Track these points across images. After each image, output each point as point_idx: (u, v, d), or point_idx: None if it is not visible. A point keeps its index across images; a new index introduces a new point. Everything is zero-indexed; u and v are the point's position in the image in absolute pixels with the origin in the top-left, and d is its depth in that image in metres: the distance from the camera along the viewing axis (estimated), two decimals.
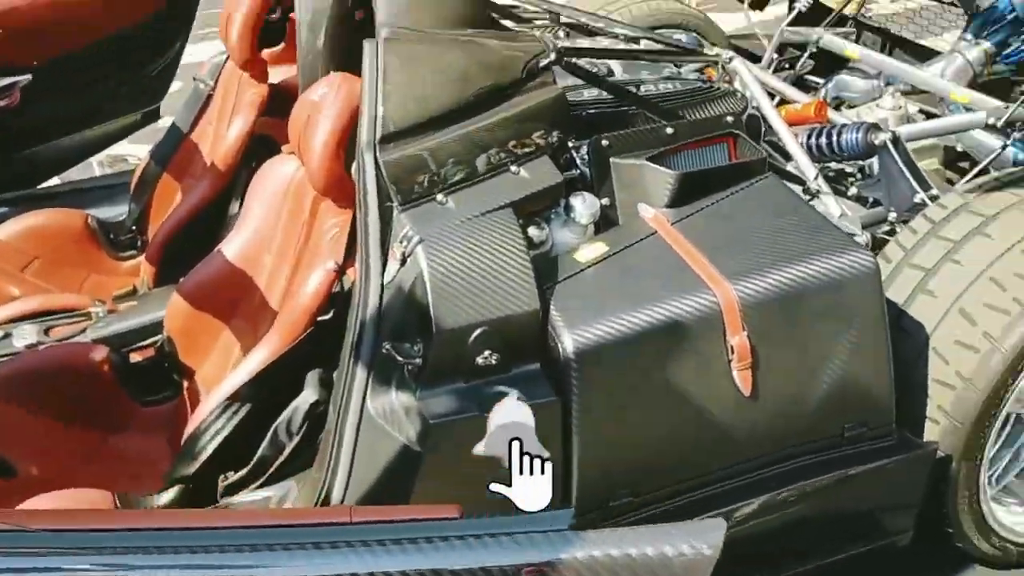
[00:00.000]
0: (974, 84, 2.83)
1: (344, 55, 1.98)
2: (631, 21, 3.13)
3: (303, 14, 2.09)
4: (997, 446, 1.90)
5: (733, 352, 1.58)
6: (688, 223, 1.74)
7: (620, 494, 1.62)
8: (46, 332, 2.29)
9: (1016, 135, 2.41)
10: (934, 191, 2.18)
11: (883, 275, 1.93)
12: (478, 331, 1.52)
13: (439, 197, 1.61)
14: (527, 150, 1.72)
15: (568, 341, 1.53)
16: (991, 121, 2.32)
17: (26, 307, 2.39)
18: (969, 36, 2.87)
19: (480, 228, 1.58)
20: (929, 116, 2.96)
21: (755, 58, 3.12)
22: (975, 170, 2.47)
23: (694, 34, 3.09)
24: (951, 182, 2.70)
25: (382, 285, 1.58)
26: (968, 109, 2.60)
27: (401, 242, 1.56)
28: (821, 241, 1.66)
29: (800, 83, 3.27)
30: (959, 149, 2.80)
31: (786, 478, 1.69)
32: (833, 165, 2.53)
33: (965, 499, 1.85)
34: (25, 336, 2.27)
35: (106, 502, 1.74)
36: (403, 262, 1.56)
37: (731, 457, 1.66)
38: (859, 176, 2.60)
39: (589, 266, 1.66)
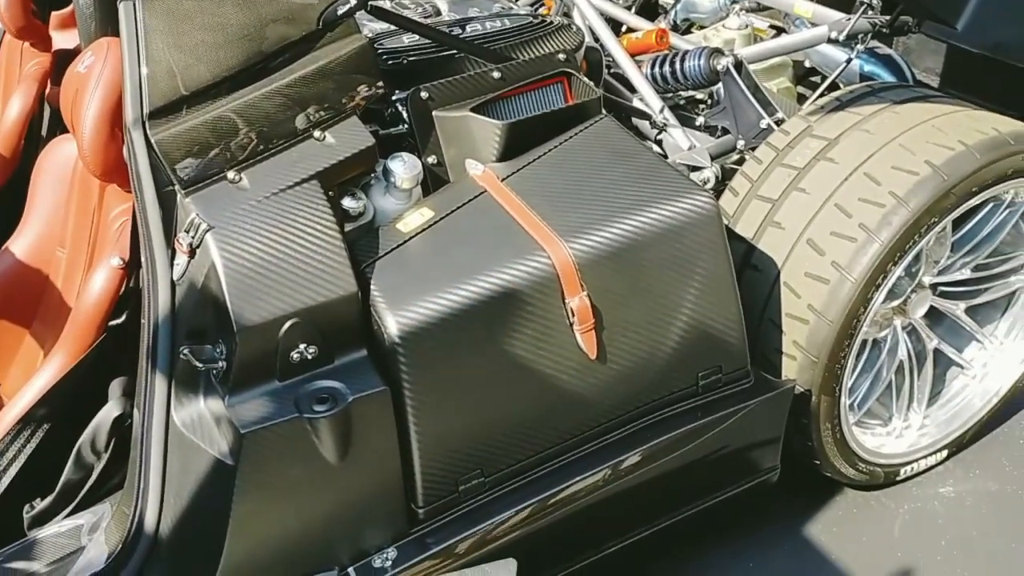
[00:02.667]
0: None
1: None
2: None
3: None
4: (855, 374, 1.86)
5: (573, 315, 1.46)
6: (519, 178, 1.60)
7: (469, 476, 1.50)
8: None
9: (860, 48, 2.35)
10: (780, 115, 2.09)
11: (731, 209, 1.85)
12: (288, 324, 1.35)
13: (230, 175, 1.42)
14: (331, 112, 1.53)
15: (391, 324, 1.38)
16: (833, 35, 2.23)
17: None
18: None
19: (280, 206, 1.40)
20: (780, 32, 2.88)
21: None
22: (821, 87, 2.41)
23: None
24: (805, 99, 2.63)
25: (172, 282, 1.39)
26: (813, 24, 2.52)
27: (188, 231, 1.36)
28: (657, 186, 1.55)
29: (651, 7, 3.14)
30: (808, 65, 2.73)
31: (643, 436, 1.61)
32: (685, 93, 2.43)
33: (828, 430, 1.81)
34: None
35: None
36: (192, 254, 1.37)
37: (584, 423, 1.56)
38: (709, 104, 2.51)
39: (413, 236, 1.50)
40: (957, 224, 1.81)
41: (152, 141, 1.37)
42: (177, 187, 1.39)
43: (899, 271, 1.68)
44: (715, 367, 1.63)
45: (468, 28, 1.95)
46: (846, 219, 1.67)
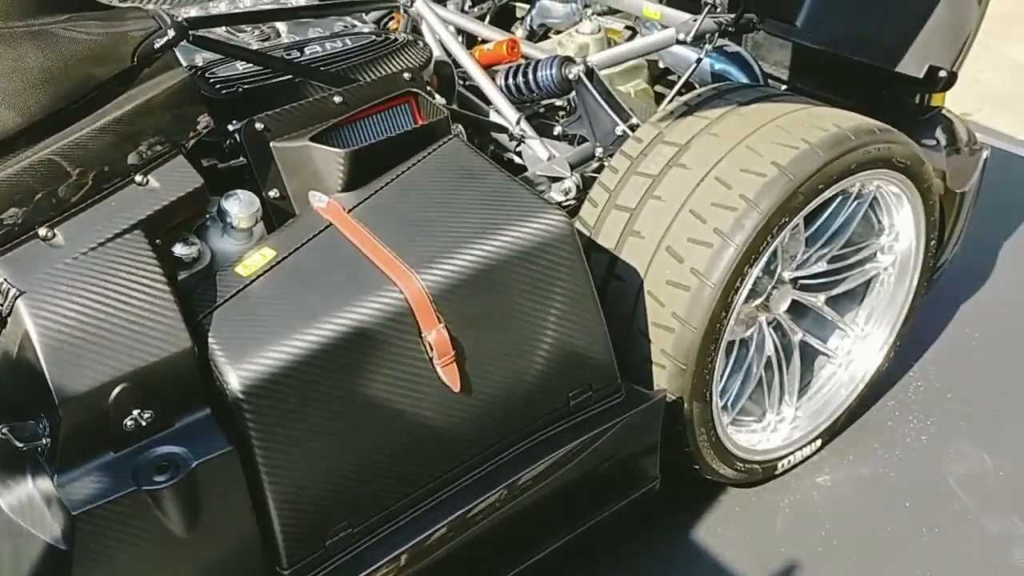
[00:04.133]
0: None
1: None
2: None
3: None
4: (726, 375, 1.87)
5: (432, 349, 1.40)
6: (367, 208, 1.53)
7: (336, 529, 1.42)
8: None
9: (708, 47, 2.37)
10: (634, 120, 2.09)
11: (591, 219, 1.82)
12: (117, 389, 1.24)
13: (41, 232, 1.30)
14: (154, 153, 1.42)
15: (233, 378, 1.29)
16: (681, 37, 2.25)
17: None
18: None
19: (99, 262, 1.29)
20: (635, 32, 2.90)
21: None
22: (674, 89, 2.43)
23: None
24: (663, 99, 2.65)
25: None
26: (663, 25, 2.54)
27: None
28: (509, 208, 1.50)
29: (508, 14, 3.11)
30: (662, 66, 2.76)
31: (518, 463, 1.56)
32: (545, 101, 2.40)
33: (703, 435, 1.81)
34: None
35: None
36: (3, 323, 1.24)
37: (454, 458, 1.51)
38: (567, 111, 2.49)
39: (254, 279, 1.41)
40: (809, 219, 1.84)
41: None
42: None
43: (756, 272, 1.69)
44: (584, 385, 1.60)
45: (307, 51, 1.87)
46: (701, 225, 1.67)
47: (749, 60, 2.58)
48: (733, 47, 2.61)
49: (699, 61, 2.41)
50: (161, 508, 1.25)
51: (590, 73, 2.16)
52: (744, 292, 1.69)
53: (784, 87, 2.47)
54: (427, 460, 1.48)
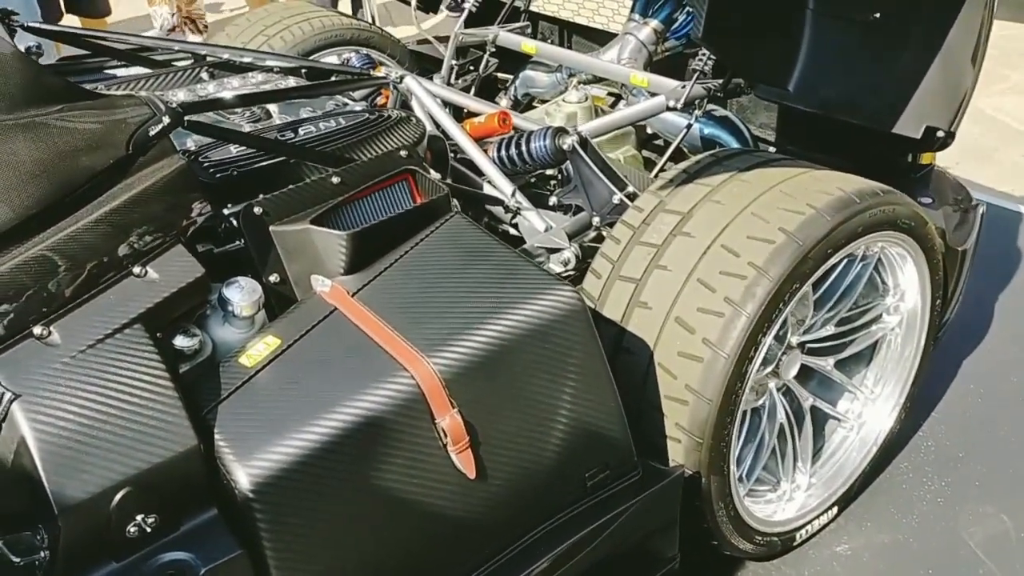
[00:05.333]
0: (651, 64, 2.81)
1: None
2: (293, 43, 2.83)
3: None
4: (739, 446, 1.83)
5: (446, 435, 1.35)
6: (372, 291, 1.49)
7: None
8: None
9: (698, 113, 2.39)
10: (631, 188, 2.08)
11: (595, 291, 1.79)
12: (119, 495, 1.18)
13: (36, 331, 1.24)
14: (152, 243, 1.38)
15: (242, 477, 1.23)
16: (671, 104, 2.26)
17: None
18: (637, 16, 2.84)
19: (98, 360, 1.24)
20: (618, 100, 2.92)
21: (441, 64, 2.93)
22: (666, 155, 2.43)
23: (366, 52, 2.84)
24: (653, 164, 2.66)
25: None
26: (651, 92, 2.55)
27: None
28: (517, 285, 1.47)
29: (491, 83, 3.13)
30: (649, 131, 2.77)
31: (536, 551, 1.49)
32: (531, 173, 2.39)
33: (722, 509, 1.76)
34: None
35: None
36: None
37: (471, 548, 1.44)
38: (560, 179, 2.49)
39: (259, 369, 1.36)
40: (816, 283, 1.82)
41: None
42: None
43: (769, 340, 1.66)
44: (601, 464, 1.54)
45: (301, 131, 1.85)
46: (710, 294, 1.64)
47: (738, 124, 2.59)
48: (721, 111, 2.63)
49: (689, 127, 2.43)
50: None
51: (584, 143, 2.15)
52: (758, 361, 1.66)
53: (772, 149, 2.48)
54: (443, 552, 1.41)
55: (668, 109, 2.31)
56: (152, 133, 1.44)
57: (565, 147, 2.14)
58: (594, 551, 1.56)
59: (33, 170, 1.29)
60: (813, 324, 1.90)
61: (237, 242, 1.61)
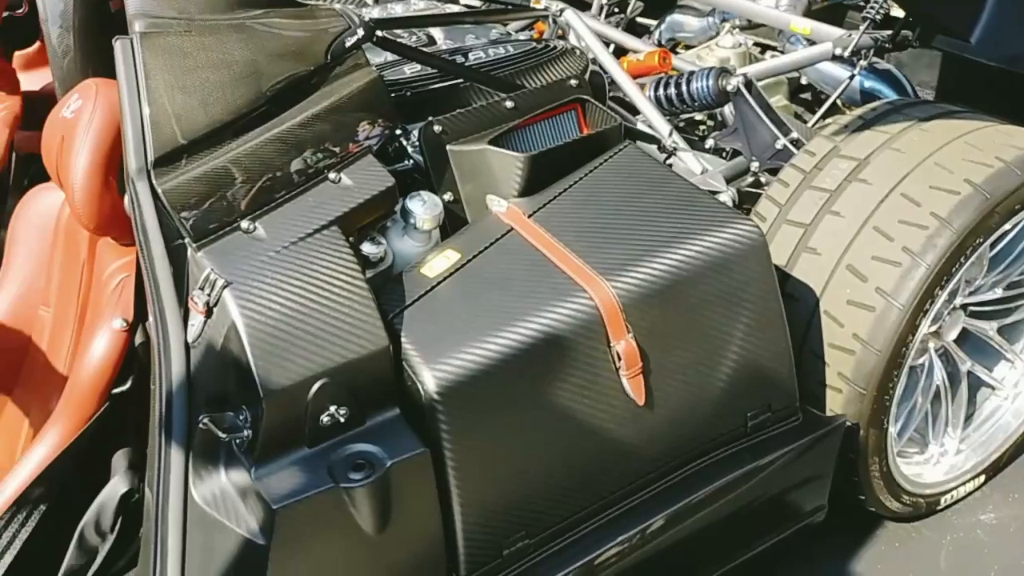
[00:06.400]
0: (808, 12, 2.71)
1: (102, 55, 1.61)
2: None
3: (49, 5, 1.69)
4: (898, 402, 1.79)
5: (620, 359, 1.36)
6: (547, 213, 1.50)
7: (514, 539, 1.38)
8: None
9: (863, 63, 2.30)
10: (795, 134, 2.03)
11: None
12: (317, 385, 1.23)
13: (244, 224, 1.30)
14: (346, 150, 1.42)
15: (428, 379, 1.26)
16: (838, 52, 2.18)
17: None
18: None
19: (301, 257, 1.29)
20: (765, 50, 2.84)
21: (585, 5, 2.90)
22: (826, 104, 2.36)
23: None
24: (799, 117, 2.58)
25: (186, 344, 1.26)
26: (809, 40, 2.47)
27: (202, 289, 1.24)
28: (698, 217, 1.46)
29: (631, 27, 3.08)
30: (803, 82, 2.69)
31: (693, 483, 1.51)
32: (684, 115, 2.36)
33: (875, 464, 1.73)
34: None
35: None
36: (209, 314, 1.24)
37: (631, 473, 1.46)
38: (711, 124, 2.45)
39: (441, 281, 1.39)
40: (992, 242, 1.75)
41: (159, 192, 1.25)
42: (188, 240, 1.27)
43: (945, 295, 1.61)
44: (764, 406, 1.54)
45: (470, 56, 1.86)
46: (887, 243, 1.60)
47: (901, 78, 2.49)
48: (884, 64, 2.53)
49: (852, 77, 2.35)
50: (355, 506, 1.23)
51: (749, 85, 2.11)
52: (931, 316, 1.61)
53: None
54: (606, 473, 1.44)
55: (833, 58, 2.23)
56: (348, 44, 1.47)
57: (729, 88, 2.09)
58: (747, 492, 1.57)
59: (245, 70, 1.34)
60: (981, 286, 1.83)
61: (406, 162, 1.64)
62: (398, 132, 1.61)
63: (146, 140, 1.24)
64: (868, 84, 2.49)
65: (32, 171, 2.19)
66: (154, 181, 1.24)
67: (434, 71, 1.74)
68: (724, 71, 2.15)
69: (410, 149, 1.63)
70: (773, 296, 1.48)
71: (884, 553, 1.89)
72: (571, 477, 1.41)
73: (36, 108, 2.12)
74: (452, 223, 1.58)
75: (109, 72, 1.55)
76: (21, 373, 1.71)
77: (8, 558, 1.40)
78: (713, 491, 1.52)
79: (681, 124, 2.41)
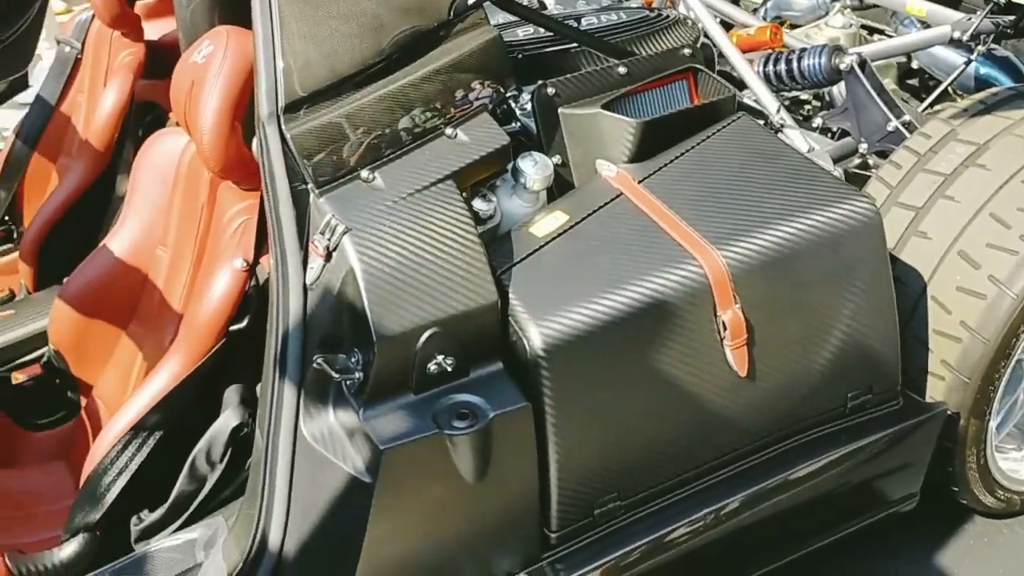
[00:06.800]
0: None
1: (231, 3, 1.66)
2: None
3: None
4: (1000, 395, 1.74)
5: (725, 329, 1.36)
6: (657, 180, 1.50)
7: (606, 499, 1.40)
8: None
9: (981, 49, 2.22)
10: (907, 117, 1.98)
11: None
12: (427, 334, 1.26)
13: (364, 174, 1.33)
14: (463, 107, 1.44)
15: (535, 335, 1.28)
16: (956, 35, 2.12)
17: None
18: None
19: (417, 208, 1.31)
20: (872, 32, 2.76)
21: None
22: (939, 89, 2.30)
23: None
24: (906, 103, 2.51)
25: (304, 286, 1.30)
26: (924, 23, 2.40)
27: (323, 233, 1.28)
28: (812, 191, 1.44)
29: (735, 2, 3.03)
30: (914, 67, 2.61)
31: (788, 460, 1.50)
32: (788, 93, 2.32)
33: (972, 456, 1.70)
34: None
35: None
36: (328, 257, 1.28)
37: (727, 444, 1.46)
38: (817, 104, 2.40)
39: (549, 241, 1.41)
40: None
41: (287, 137, 1.29)
42: (311, 186, 1.31)
43: None
44: (865, 387, 1.52)
45: (583, 22, 1.86)
46: (1004, 230, 1.55)
47: (1020, 66, 2.40)
48: (1002, 52, 2.44)
49: (969, 62, 2.27)
50: (457, 453, 1.26)
51: (863, 64, 2.06)
52: None
53: None
54: (700, 442, 1.44)
55: (950, 42, 2.16)
56: (470, 2, 1.48)
57: (843, 66, 2.05)
58: (840, 474, 1.55)
59: (372, 23, 1.36)
60: None
61: (513, 124, 1.65)
62: (511, 93, 1.63)
63: (278, 86, 1.28)
64: (984, 71, 2.41)
65: (148, 120, 2.28)
66: (283, 126, 1.28)
67: (545, 35, 1.75)
68: (838, 49, 2.11)
69: (518, 111, 1.64)
70: (885, 277, 1.45)
71: (972, 548, 1.85)
72: (666, 443, 1.42)
73: (157, 57, 2.21)
74: (558, 186, 1.59)
75: (232, 20, 1.60)
76: (137, 310, 1.79)
77: (124, 480, 1.48)
78: (807, 469, 1.51)
79: (786, 103, 2.37)
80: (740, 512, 1.50)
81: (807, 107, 2.41)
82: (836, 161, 1.98)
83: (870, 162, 2.01)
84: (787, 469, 1.50)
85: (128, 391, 1.77)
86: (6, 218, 2.44)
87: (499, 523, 1.35)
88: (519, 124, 1.63)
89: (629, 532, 1.42)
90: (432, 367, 1.28)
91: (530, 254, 1.39)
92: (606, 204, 1.47)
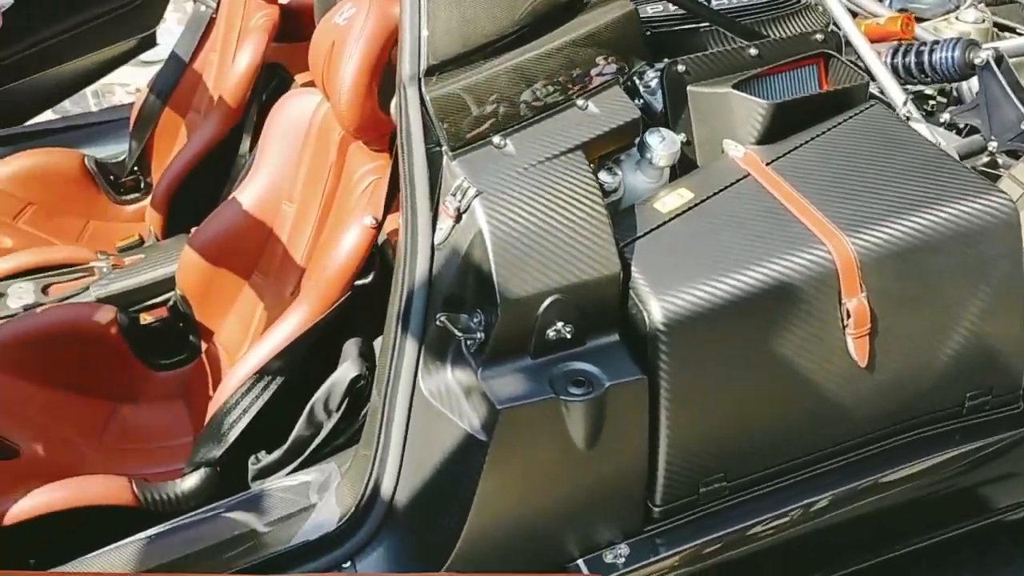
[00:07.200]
0: None
1: None
2: None
3: None
4: None
5: (849, 317, 1.34)
6: (786, 163, 1.49)
7: (712, 479, 1.40)
8: (44, 290, 2.07)
9: None
10: None
11: None
12: (549, 300, 1.28)
13: (496, 139, 1.36)
14: (594, 79, 1.45)
15: (656, 309, 1.29)
16: None
17: (21, 262, 2.16)
18: None
19: (547, 176, 1.33)
20: (1003, 30, 2.65)
21: None
22: None
23: None
24: None
25: (432, 246, 1.34)
26: None
27: (454, 195, 1.31)
28: (947, 183, 1.41)
29: None
30: None
31: (899, 455, 1.48)
32: (912, 87, 2.25)
33: None
34: (22, 295, 2.05)
35: (124, 492, 1.53)
36: (458, 219, 1.31)
37: (837, 435, 1.45)
38: (942, 100, 2.32)
39: (674, 217, 1.41)
40: None
41: (426, 99, 1.32)
42: (445, 148, 1.34)
43: None
44: (986, 388, 1.48)
45: (714, 3, 1.85)
46: None
47: None
48: None
49: None
50: (570, 419, 1.28)
51: (1000, 60, 1.99)
52: None
53: None
54: (812, 431, 1.43)
55: None
56: None
57: (977, 61, 1.98)
58: (951, 475, 1.52)
59: None
60: None
61: (636, 101, 1.65)
62: (637, 69, 1.63)
63: (421, 50, 1.31)
64: None
65: (273, 83, 2.35)
66: (423, 89, 1.32)
67: (674, 14, 1.74)
68: (973, 43, 2.04)
69: (642, 88, 1.64)
70: (1018, 277, 1.41)
71: None
72: (777, 428, 1.41)
73: (288, 20, 2.28)
74: (681, 165, 1.59)
75: None
76: (260, 261, 1.86)
77: (246, 420, 1.55)
78: (916, 467, 1.49)
79: (911, 97, 2.31)
80: (842, 505, 1.49)
81: (931, 102, 2.34)
82: (963, 157, 1.91)
83: (999, 161, 1.94)
84: (896, 465, 1.48)
85: (248, 339, 1.85)
86: (135, 168, 2.56)
87: (604, 492, 1.37)
88: (641, 101, 1.63)
89: (731, 514, 1.43)
90: (551, 333, 1.30)
91: (654, 229, 1.40)
92: (733, 184, 1.46)
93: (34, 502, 1.48)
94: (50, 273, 2.10)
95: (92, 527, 1.51)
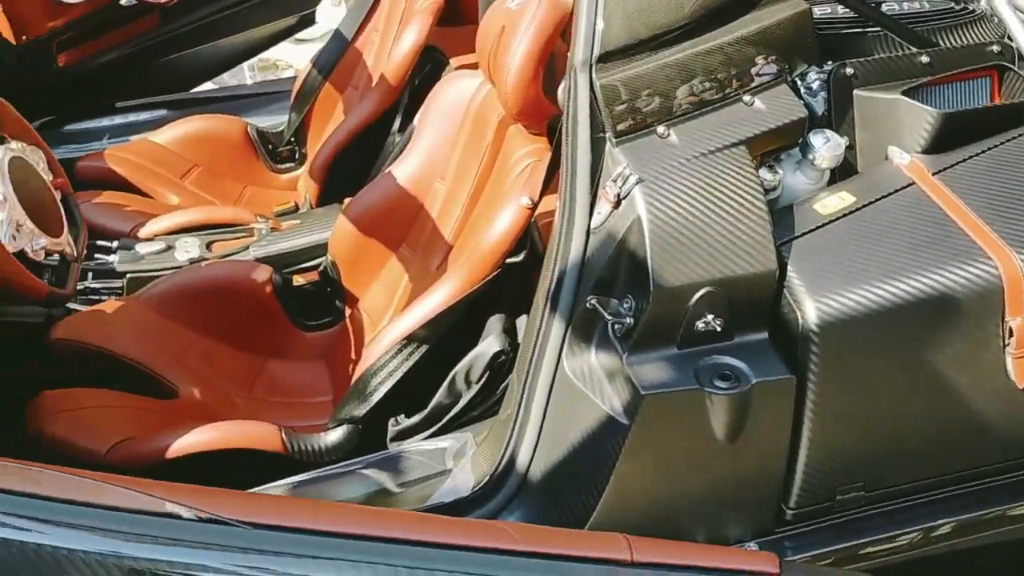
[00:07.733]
0: None
1: None
2: None
3: None
4: None
5: (1011, 336, 1.30)
6: (954, 174, 1.44)
7: (849, 487, 1.38)
8: (209, 247, 2.21)
9: None
10: None
11: None
12: (702, 291, 1.29)
13: (659, 129, 1.37)
14: (762, 76, 1.45)
15: (811, 310, 1.28)
16: None
17: (189, 218, 2.31)
18: None
19: (708, 168, 1.34)
20: None
21: None
22: None
23: None
24: None
25: (588, 229, 1.37)
26: None
27: (615, 181, 1.33)
28: None
29: None
30: None
31: None
32: None
33: None
34: (188, 249, 2.20)
35: (275, 439, 1.63)
36: (616, 205, 1.34)
37: (984, 456, 1.41)
38: None
39: (834, 219, 1.39)
40: None
41: (595, 85, 1.35)
42: (608, 135, 1.37)
43: None
44: None
45: (884, 7, 1.80)
46: None
47: None
48: None
49: None
50: (713, 412, 1.29)
51: None
52: None
53: None
54: (959, 449, 1.39)
55: None
56: None
57: None
58: None
59: None
60: None
61: None
62: (801, 70, 1.61)
63: (595, 36, 1.34)
64: None
65: (428, 66, 2.42)
66: (594, 75, 1.34)
67: (842, 16, 1.71)
68: None
69: (803, 90, 1.62)
70: None
71: None
72: (923, 443, 1.38)
73: (451, 4, 2.35)
74: (840, 169, 1.57)
75: None
76: (409, 235, 1.94)
77: (390, 383, 1.63)
78: None
79: None
80: (980, 529, 1.44)
81: None
82: None
83: None
84: None
85: (391, 308, 1.93)
86: (292, 139, 2.70)
87: (739, 488, 1.37)
88: (802, 102, 1.61)
89: (866, 525, 1.41)
90: (700, 325, 1.31)
91: (813, 229, 1.38)
92: (897, 191, 1.43)
93: (193, 439, 1.59)
94: (214, 231, 2.24)
95: (241, 468, 1.62)
